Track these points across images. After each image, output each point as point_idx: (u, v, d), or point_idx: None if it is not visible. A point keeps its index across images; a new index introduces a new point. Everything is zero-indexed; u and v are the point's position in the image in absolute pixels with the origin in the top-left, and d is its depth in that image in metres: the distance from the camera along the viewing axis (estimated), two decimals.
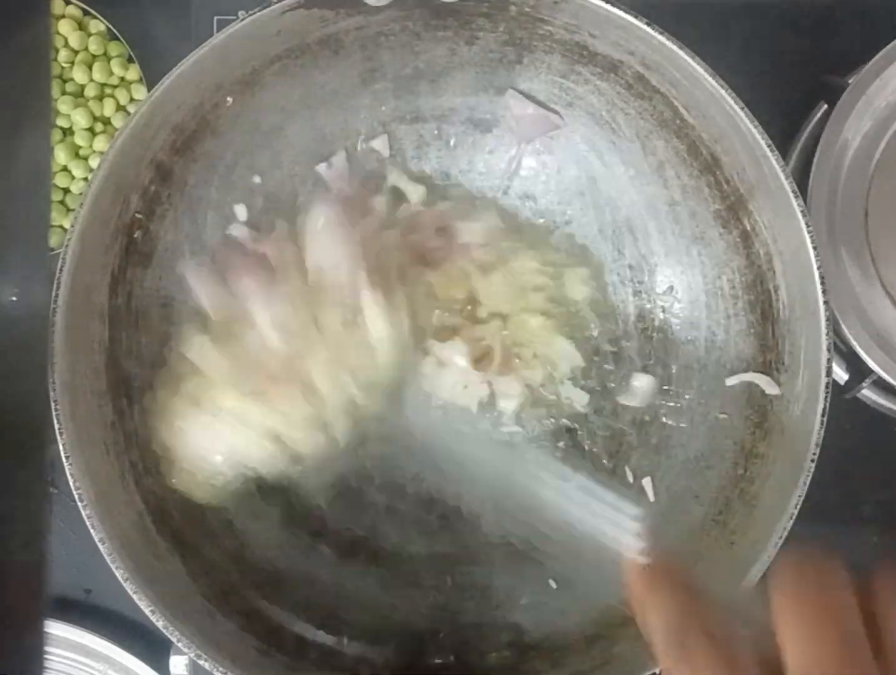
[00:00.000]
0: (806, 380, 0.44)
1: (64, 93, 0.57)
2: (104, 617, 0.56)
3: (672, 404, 0.51)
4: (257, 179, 0.50)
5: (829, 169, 0.53)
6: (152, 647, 0.55)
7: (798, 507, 0.41)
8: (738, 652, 0.26)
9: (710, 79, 0.43)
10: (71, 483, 0.41)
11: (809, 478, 0.42)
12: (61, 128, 0.57)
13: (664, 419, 0.51)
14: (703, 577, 0.44)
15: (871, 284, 0.54)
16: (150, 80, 0.57)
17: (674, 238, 0.51)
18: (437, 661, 0.47)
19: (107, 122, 0.57)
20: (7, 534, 0.25)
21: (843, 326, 0.52)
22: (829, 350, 0.42)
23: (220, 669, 0.41)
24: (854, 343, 0.52)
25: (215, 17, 0.58)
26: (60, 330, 0.42)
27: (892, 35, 0.53)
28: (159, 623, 0.41)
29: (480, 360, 0.49)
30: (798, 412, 0.44)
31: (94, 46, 0.57)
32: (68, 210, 0.57)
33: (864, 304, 0.53)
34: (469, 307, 0.49)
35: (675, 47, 0.43)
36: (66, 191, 0.57)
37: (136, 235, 0.47)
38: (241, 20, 0.44)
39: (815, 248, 0.42)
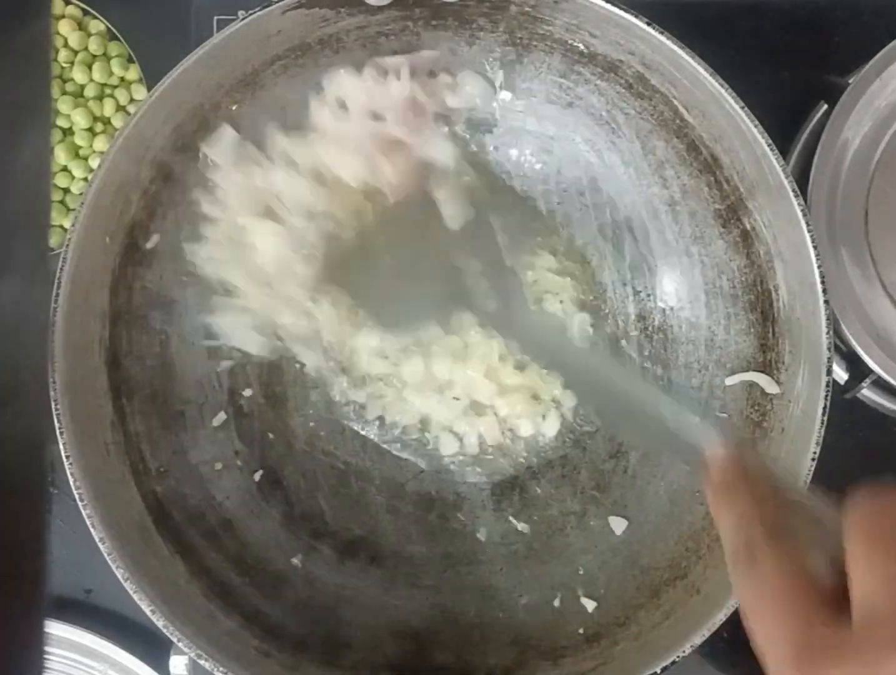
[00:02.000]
0: (806, 379, 0.44)
1: (64, 93, 0.57)
2: (104, 617, 0.56)
3: None
4: None
5: (829, 169, 0.53)
6: (152, 647, 0.54)
7: None
8: (807, 563, 0.26)
9: (710, 79, 0.43)
10: (71, 483, 0.41)
11: (810, 478, 0.42)
12: (61, 128, 0.57)
13: None
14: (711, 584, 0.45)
15: (871, 284, 0.54)
16: (150, 81, 0.57)
17: (674, 238, 0.50)
18: (438, 661, 0.47)
19: (107, 122, 0.57)
20: (7, 534, 0.25)
21: (843, 326, 0.52)
22: (829, 350, 0.42)
23: (220, 669, 0.41)
24: (854, 343, 0.52)
25: (215, 17, 0.58)
26: (60, 330, 0.42)
27: (892, 35, 0.53)
28: (159, 623, 0.41)
29: None
30: (798, 412, 0.44)
31: (94, 46, 0.57)
32: (68, 210, 0.57)
33: (864, 304, 0.53)
34: None
35: (675, 47, 0.43)
36: (66, 191, 0.57)
37: (136, 235, 0.47)
38: (241, 20, 0.44)
39: (815, 247, 0.42)
